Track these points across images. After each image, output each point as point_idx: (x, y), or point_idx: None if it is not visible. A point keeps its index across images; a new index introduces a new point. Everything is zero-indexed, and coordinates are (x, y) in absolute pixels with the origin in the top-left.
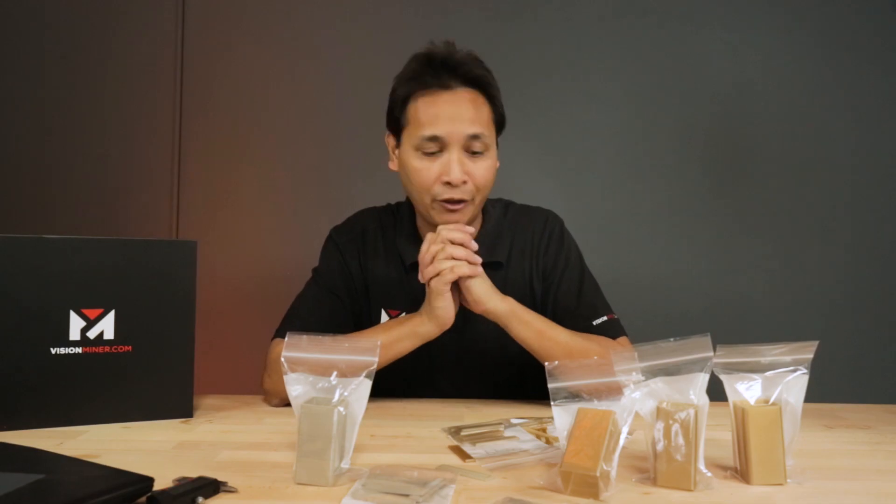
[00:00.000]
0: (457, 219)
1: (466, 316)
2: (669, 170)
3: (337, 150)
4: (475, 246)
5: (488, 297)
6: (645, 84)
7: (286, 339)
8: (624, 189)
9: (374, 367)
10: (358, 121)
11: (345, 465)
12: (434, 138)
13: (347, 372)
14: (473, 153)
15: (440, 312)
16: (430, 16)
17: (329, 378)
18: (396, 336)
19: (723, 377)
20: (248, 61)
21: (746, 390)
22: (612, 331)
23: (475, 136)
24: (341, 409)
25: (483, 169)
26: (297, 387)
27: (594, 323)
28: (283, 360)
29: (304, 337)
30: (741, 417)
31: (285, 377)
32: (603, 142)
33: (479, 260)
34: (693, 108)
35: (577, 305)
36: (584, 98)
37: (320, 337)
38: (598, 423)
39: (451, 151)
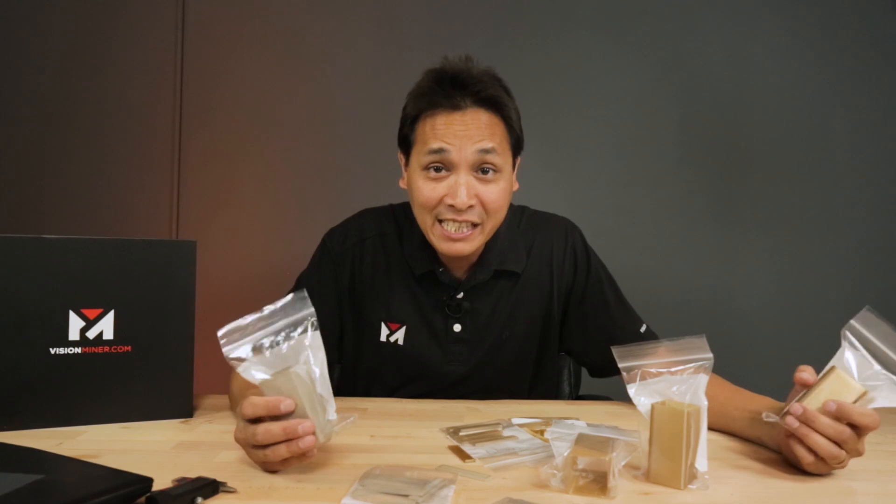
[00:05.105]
0: (460, 249)
1: (477, 365)
2: (668, 169)
3: (336, 150)
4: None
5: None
6: (644, 83)
7: (221, 342)
8: (623, 188)
9: (314, 316)
10: (357, 121)
11: (331, 416)
12: (440, 150)
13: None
14: (484, 173)
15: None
16: (431, 18)
17: (279, 348)
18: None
19: (627, 376)
20: (247, 62)
21: (645, 392)
22: (651, 337)
23: (485, 151)
24: (297, 369)
25: (495, 193)
26: (254, 374)
27: (641, 331)
28: (229, 361)
29: (231, 329)
30: (654, 417)
31: (240, 372)
32: (602, 141)
33: (308, 429)
34: (692, 108)
35: (623, 317)
36: (583, 97)
37: (244, 320)
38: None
39: (458, 174)
